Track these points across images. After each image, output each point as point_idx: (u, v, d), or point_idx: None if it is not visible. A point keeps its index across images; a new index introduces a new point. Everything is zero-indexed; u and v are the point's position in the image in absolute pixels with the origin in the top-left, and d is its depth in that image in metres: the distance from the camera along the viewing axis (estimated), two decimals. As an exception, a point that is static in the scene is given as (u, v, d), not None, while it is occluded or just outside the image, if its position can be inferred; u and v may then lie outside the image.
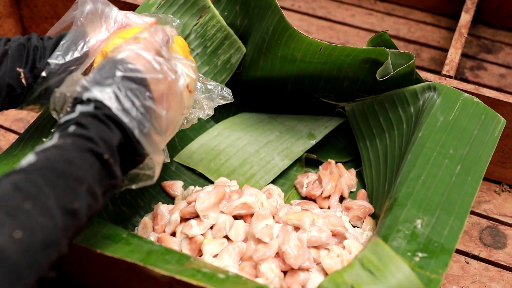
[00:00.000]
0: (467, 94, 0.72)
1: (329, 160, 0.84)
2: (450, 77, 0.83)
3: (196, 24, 0.82)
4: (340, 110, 0.86)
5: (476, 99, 0.71)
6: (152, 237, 0.71)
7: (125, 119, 0.50)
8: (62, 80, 0.61)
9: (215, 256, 0.65)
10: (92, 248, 0.56)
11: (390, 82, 0.76)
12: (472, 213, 0.85)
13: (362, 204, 0.76)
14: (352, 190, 0.82)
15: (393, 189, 0.65)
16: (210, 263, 0.57)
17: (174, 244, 0.68)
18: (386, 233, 0.58)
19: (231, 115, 0.92)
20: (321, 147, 0.88)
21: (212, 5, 0.82)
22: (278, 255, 0.63)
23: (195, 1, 0.82)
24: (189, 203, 0.71)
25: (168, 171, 0.83)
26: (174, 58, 0.59)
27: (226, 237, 0.67)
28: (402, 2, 1.27)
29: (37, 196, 0.44)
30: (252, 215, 0.68)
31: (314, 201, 0.80)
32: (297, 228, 0.65)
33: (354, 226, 0.75)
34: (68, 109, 0.52)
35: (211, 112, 0.67)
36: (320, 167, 0.85)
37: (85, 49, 0.61)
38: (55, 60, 0.61)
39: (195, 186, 0.79)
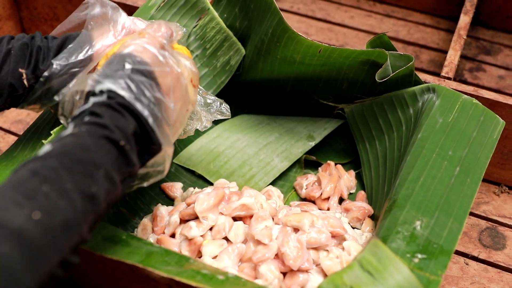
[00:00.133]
0: (466, 96, 0.72)
1: (328, 161, 0.84)
2: (449, 78, 0.84)
3: (196, 26, 0.82)
4: (339, 112, 0.87)
5: (475, 100, 0.72)
6: (152, 239, 0.71)
7: (139, 106, 0.51)
8: (64, 81, 0.61)
9: (215, 257, 0.65)
10: (92, 250, 0.56)
11: (389, 84, 0.76)
12: (471, 214, 0.85)
13: (361, 205, 0.77)
14: (351, 192, 0.82)
15: (392, 190, 0.65)
16: (209, 265, 0.57)
17: (174, 245, 0.68)
18: (385, 235, 0.58)
19: (231, 116, 0.92)
20: (320, 149, 0.88)
21: (211, 7, 0.82)
22: (278, 256, 0.63)
23: (195, 3, 0.82)
24: (188, 205, 0.71)
25: (167, 173, 0.83)
26: (177, 54, 0.60)
27: (226, 238, 0.67)
28: (401, 4, 1.27)
29: (55, 180, 0.44)
30: (251, 216, 0.68)
31: (314, 202, 0.80)
32: (296, 230, 0.65)
33: (353, 228, 0.75)
34: (80, 104, 0.53)
35: (209, 125, 0.68)
36: (319, 168, 0.85)
37: (89, 53, 0.61)
38: (59, 61, 0.61)
39: (194, 188, 0.79)
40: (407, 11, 1.27)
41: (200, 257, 0.66)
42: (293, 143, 0.87)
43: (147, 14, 0.81)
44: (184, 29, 0.69)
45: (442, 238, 0.58)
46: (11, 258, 0.39)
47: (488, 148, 0.67)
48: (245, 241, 0.67)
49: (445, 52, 1.15)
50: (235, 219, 0.69)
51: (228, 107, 0.70)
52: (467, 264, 0.78)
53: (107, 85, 0.51)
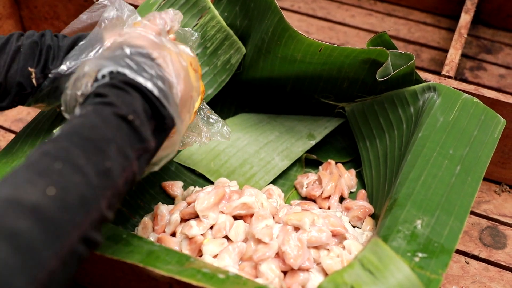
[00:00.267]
0: (467, 95, 0.72)
1: (329, 160, 0.84)
2: (450, 77, 0.83)
3: (196, 24, 0.82)
4: (340, 111, 0.86)
5: (476, 99, 0.71)
6: (152, 238, 0.71)
7: (141, 80, 0.51)
8: None
9: (215, 256, 0.65)
10: (92, 248, 0.56)
11: (390, 83, 0.76)
12: (472, 213, 0.85)
13: (362, 204, 0.76)
14: (352, 191, 0.82)
15: (393, 189, 0.65)
16: (210, 263, 0.57)
17: (174, 244, 0.68)
18: (386, 234, 0.58)
19: (231, 115, 0.92)
20: (321, 148, 0.88)
21: (212, 6, 0.82)
22: (278, 255, 0.63)
23: (196, 1, 0.82)
24: (189, 204, 0.71)
25: (168, 172, 0.83)
26: (173, 42, 0.60)
27: (226, 237, 0.67)
28: (402, 2, 1.27)
29: (66, 157, 0.44)
30: (252, 215, 0.68)
31: (314, 201, 0.80)
32: (297, 229, 0.65)
33: (354, 227, 0.75)
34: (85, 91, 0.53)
35: (207, 141, 0.68)
36: (320, 167, 0.85)
37: (100, 52, 0.61)
38: (70, 60, 0.60)
39: (195, 187, 0.79)
40: (408, 9, 1.27)
41: (201, 256, 0.66)
42: (293, 142, 0.87)
43: (147, 12, 0.81)
44: (196, 34, 0.69)
45: (443, 237, 0.58)
46: (30, 233, 0.38)
47: (489, 147, 0.67)
48: (245, 240, 0.67)
49: (446, 51, 1.15)
50: (235, 218, 0.69)
51: (230, 130, 0.70)
52: (467, 263, 0.78)
53: (109, 67, 0.51)
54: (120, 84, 0.50)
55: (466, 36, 0.95)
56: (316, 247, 0.65)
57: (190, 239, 0.67)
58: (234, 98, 0.92)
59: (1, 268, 0.36)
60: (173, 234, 0.70)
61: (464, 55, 1.15)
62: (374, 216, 0.76)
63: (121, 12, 0.64)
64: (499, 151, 0.84)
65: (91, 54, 0.60)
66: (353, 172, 0.84)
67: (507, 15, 1.19)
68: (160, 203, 0.74)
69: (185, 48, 0.61)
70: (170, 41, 0.58)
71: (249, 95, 0.92)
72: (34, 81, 0.60)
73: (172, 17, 0.62)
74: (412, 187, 0.62)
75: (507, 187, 0.88)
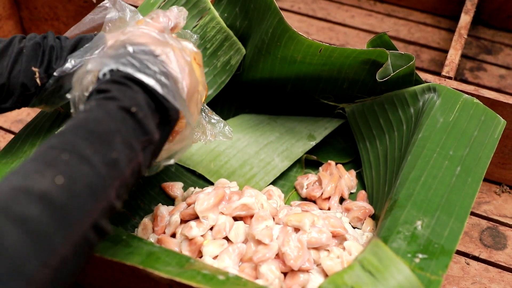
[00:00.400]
0: (467, 95, 0.72)
1: (329, 161, 0.84)
2: (450, 78, 0.83)
3: (196, 25, 0.82)
4: (340, 111, 0.86)
5: (476, 100, 0.71)
6: (152, 239, 0.70)
7: (143, 77, 0.51)
8: None
9: (215, 257, 0.65)
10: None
11: (390, 83, 0.76)
12: (472, 214, 0.85)
13: (362, 205, 0.76)
14: (352, 191, 0.82)
15: (393, 190, 0.65)
16: (210, 265, 0.57)
17: (174, 245, 0.67)
18: (386, 235, 0.58)
19: (231, 116, 0.92)
20: (321, 148, 0.88)
21: (212, 7, 0.82)
22: (278, 256, 0.63)
23: (196, 2, 0.82)
24: (189, 205, 0.71)
25: (168, 173, 0.83)
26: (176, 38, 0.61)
27: (226, 238, 0.67)
28: (402, 3, 1.27)
29: (73, 149, 0.44)
30: (252, 216, 0.68)
31: (314, 202, 0.80)
32: (297, 229, 0.65)
33: (354, 227, 0.75)
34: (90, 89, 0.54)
35: (212, 139, 0.68)
36: (320, 168, 0.85)
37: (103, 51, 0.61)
38: (75, 58, 0.61)
39: (195, 188, 0.79)
40: (408, 10, 1.27)
41: (201, 257, 0.66)
42: (293, 142, 0.87)
43: (148, 12, 0.81)
44: (195, 36, 0.69)
45: (443, 238, 0.58)
46: (41, 219, 0.39)
47: (489, 147, 0.67)
48: (245, 241, 0.66)
49: (445, 51, 1.15)
50: (235, 219, 0.69)
51: (231, 130, 0.70)
52: (468, 264, 0.78)
53: (110, 66, 0.51)
54: (122, 79, 0.51)
55: (466, 36, 0.95)
56: (316, 248, 0.65)
57: (190, 240, 0.67)
58: (234, 99, 0.92)
59: (13, 253, 0.37)
60: (173, 235, 0.70)
61: (464, 56, 1.15)
62: (374, 217, 0.76)
63: (123, 13, 0.64)
64: (499, 151, 0.84)
65: (96, 52, 0.61)
66: (353, 173, 0.84)
67: (507, 15, 1.19)
68: (160, 204, 0.74)
69: (188, 44, 0.61)
70: (172, 38, 0.58)
71: (249, 96, 0.92)
72: (38, 80, 0.60)
73: (176, 14, 0.62)
74: (412, 188, 0.62)
75: (507, 188, 0.88)
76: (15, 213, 0.38)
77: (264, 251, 0.62)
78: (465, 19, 1.00)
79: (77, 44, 0.62)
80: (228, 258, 0.64)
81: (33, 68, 0.60)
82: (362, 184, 0.83)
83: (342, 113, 0.86)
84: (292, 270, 0.62)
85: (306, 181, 0.82)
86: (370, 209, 0.76)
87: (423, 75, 0.78)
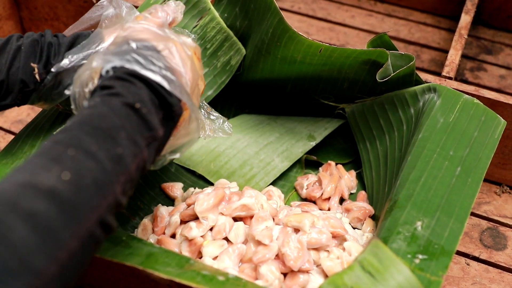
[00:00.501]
0: (467, 96, 0.72)
1: (329, 161, 0.84)
2: (450, 78, 0.83)
3: (196, 25, 0.82)
4: (340, 112, 0.86)
5: (476, 100, 0.71)
6: (152, 239, 0.70)
7: (150, 74, 0.51)
8: (73, 76, 0.61)
9: (215, 258, 0.65)
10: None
11: (390, 84, 0.76)
12: (473, 214, 0.85)
13: (362, 205, 0.76)
14: (352, 192, 0.82)
15: (393, 190, 0.65)
16: (209, 265, 0.57)
17: (174, 246, 0.67)
18: (386, 235, 0.58)
19: (231, 117, 0.92)
20: (321, 149, 0.88)
21: (212, 7, 0.82)
22: (278, 257, 0.63)
23: (196, 3, 0.82)
24: (188, 205, 0.71)
25: (168, 173, 0.83)
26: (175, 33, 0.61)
27: (226, 239, 0.67)
28: (402, 3, 1.27)
29: (79, 145, 0.44)
30: (252, 217, 0.68)
31: (314, 202, 0.80)
32: (297, 230, 0.65)
33: (354, 228, 0.75)
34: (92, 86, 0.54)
35: (212, 134, 0.68)
36: (320, 168, 0.85)
37: (100, 47, 0.62)
38: (72, 53, 0.61)
39: (195, 188, 0.79)
40: (408, 10, 1.26)
41: (201, 257, 0.66)
42: (293, 143, 0.87)
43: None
44: (193, 35, 0.70)
45: (443, 238, 0.58)
46: (48, 214, 0.39)
47: (489, 148, 0.67)
48: (245, 242, 0.66)
49: (446, 51, 1.15)
50: (235, 219, 0.69)
51: (231, 125, 0.70)
52: (468, 264, 0.78)
53: (115, 62, 0.52)
54: (125, 75, 0.51)
55: (466, 36, 0.95)
56: (316, 249, 0.65)
57: (189, 240, 0.67)
58: (234, 99, 0.92)
59: (20, 247, 0.37)
60: (173, 236, 0.70)
61: (464, 56, 1.15)
62: (374, 218, 0.76)
63: (119, 9, 0.64)
64: (500, 152, 0.84)
65: (92, 48, 0.61)
66: (353, 173, 0.84)
67: (507, 15, 1.19)
68: (160, 204, 0.74)
69: (187, 39, 0.61)
70: (173, 32, 0.58)
71: (249, 96, 0.92)
72: (37, 76, 0.60)
73: (173, 8, 0.62)
74: (412, 189, 0.62)
75: (508, 188, 0.88)
76: (23, 209, 0.38)
77: (264, 251, 0.62)
78: (465, 19, 1.00)
79: (75, 41, 0.62)
80: (228, 259, 0.64)
81: (32, 64, 0.60)
82: (362, 184, 0.83)
83: (342, 113, 0.86)
84: (292, 271, 0.62)
85: (306, 182, 0.82)
86: (370, 209, 0.76)
87: (423, 75, 0.78)
